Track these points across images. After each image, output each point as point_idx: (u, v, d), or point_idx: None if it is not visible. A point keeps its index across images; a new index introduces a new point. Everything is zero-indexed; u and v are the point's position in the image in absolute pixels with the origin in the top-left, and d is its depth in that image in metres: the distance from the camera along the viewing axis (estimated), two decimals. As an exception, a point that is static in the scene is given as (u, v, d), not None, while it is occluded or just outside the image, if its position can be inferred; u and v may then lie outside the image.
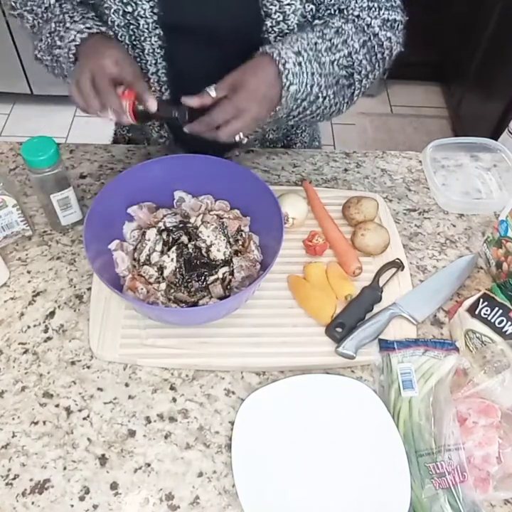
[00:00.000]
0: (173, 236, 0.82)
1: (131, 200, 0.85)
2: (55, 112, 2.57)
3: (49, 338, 0.79)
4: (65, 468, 0.68)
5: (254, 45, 0.78)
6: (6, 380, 0.75)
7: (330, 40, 0.78)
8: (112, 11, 0.79)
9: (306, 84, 0.75)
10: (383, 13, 0.83)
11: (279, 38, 0.81)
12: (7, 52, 2.34)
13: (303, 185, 0.98)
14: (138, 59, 0.85)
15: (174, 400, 0.74)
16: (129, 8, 0.79)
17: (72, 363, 0.77)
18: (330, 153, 1.08)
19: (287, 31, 0.80)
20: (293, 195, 0.91)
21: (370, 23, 0.82)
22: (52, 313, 0.82)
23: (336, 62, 0.79)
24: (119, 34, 0.82)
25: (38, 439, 0.70)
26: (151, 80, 0.87)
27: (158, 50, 0.83)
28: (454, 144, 1.10)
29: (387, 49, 0.85)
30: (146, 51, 0.84)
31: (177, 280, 0.78)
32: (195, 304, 0.78)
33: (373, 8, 0.83)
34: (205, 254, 0.80)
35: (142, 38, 0.82)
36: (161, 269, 0.79)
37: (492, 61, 2.25)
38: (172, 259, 0.79)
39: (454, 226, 0.97)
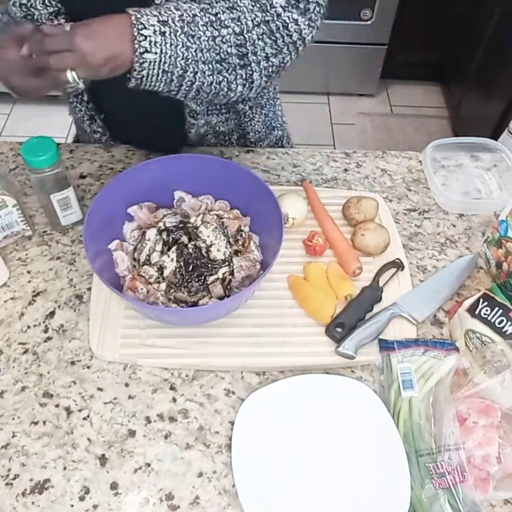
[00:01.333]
0: (173, 236, 0.82)
1: (131, 200, 0.85)
2: (55, 112, 2.56)
3: (49, 338, 0.79)
4: (65, 468, 0.68)
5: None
6: (6, 380, 0.75)
7: (216, 14, 0.74)
8: (11, 2, 0.80)
9: (171, 56, 0.70)
10: None
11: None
12: (7, 52, 2.34)
13: (303, 185, 0.98)
14: None
15: (174, 400, 0.74)
16: (24, 0, 0.79)
17: (72, 363, 0.77)
18: (330, 153, 1.08)
19: None
20: (293, 195, 0.91)
21: (272, 3, 0.77)
22: (52, 313, 0.82)
23: (220, 39, 0.74)
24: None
25: (38, 439, 0.70)
26: None
27: None
28: (454, 143, 1.10)
29: (295, 32, 0.79)
30: None
31: (177, 280, 0.78)
32: (195, 304, 0.78)
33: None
34: (205, 254, 0.80)
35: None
36: (161, 269, 0.79)
37: (492, 61, 2.25)
38: (172, 259, 0.79)
39: (454, 226, 0.97)
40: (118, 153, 1.05)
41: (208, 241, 0.81)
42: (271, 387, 0.73)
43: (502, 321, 0.73)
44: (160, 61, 0.70)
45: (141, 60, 0.68)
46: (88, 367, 0.77)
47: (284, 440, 0.70)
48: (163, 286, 0.78)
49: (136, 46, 0.67)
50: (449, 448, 0.66)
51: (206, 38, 0.73)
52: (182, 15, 0.71)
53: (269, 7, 0.77)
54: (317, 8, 0.81)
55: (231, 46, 0.75)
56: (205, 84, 0.76)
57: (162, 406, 0.73)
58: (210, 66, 0.74)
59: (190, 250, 0.80)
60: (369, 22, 2.36)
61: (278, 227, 0.76)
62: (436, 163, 1.08)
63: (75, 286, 0.85)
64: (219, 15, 0.74)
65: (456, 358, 0.74)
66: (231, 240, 0.82)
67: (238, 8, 0.75)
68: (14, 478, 0.67)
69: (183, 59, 0.71)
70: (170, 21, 0.70)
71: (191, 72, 0.73)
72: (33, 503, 0.66)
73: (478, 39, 2.32)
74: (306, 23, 0.80)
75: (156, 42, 0.68)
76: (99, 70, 0.68)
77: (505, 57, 2.11)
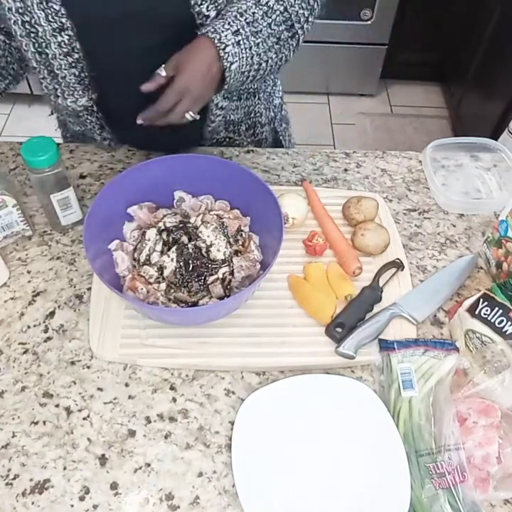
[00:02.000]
0: (173, 236, 0.82)
1: (131, 200, 0.85)
2: (55, 112, 2.57)
3: (49, 338, 0.79)
4: (65, 468, 0.68)
5: (187, 29, 0.80)
6: (6, 380, 0.75)
7: (266, 3, 0.80)
8: (12, 22, 0.79)
9: (247, 58, 0.79)
10: None
11: (211, 6, 0.80)
12: (7, 52, 2.34)
13: (303, 185, 0.98)
14: (47, 65, 0.84)
15: (174, 400, 0.74)
16: (27, 18, 0.79)
17: (72, 363, 0.77)
18: (330, 153, 1.08)
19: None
20: (293, 195, 0.91)
21: None
22: (52, 313, 0.82)
23: (273, 23, 0.82)
24: (24, 43, 0.81)
25: (38, 439, 0.70)
26: (63, 84, 0.86)
27: (62, 57, 0.82)
28: (454, 143, 1.10)
29: None
30: (50, 56, 0.83)
31: (177, 280, 0.78)
32: (195, 304, 0.78)
33: None
34: (205, 254, 0.80)
35: (44, 45, 0.81)
36: (161, 269, 0.79)
37: (492, 61, 2.25)
38: (172, 259, 0.79)
39: (454, 226, 0.97)
40: (118, 153, 1.05)
41: (207, 241, 0.81)
42: (271, 387, 0.73)
43: (502, 321, 0.73)
44: (239, 66, 0.78)
45: (229, 73, 0.78)
46: (88, 367, 0.77)
47: (284, 440, 0.70)
48: (163, 286, 0.78)
49: (225, 63, 0.76)
50: (449, 448, 0.66)
51: (265, 29, 0.81)
52: (246, 18, 0.79)
53: None
54: None
55: (281, 25, 0.83)
56: (270, 66, 0.84)
57: (162, 406, 0.73)
58: (272, 50, 0.83)
59: (190, 250, 0.80)
60: (369, 22, 2.36)
61: (278, 227, 0.76)
62: (436, 163, 1.08)
63: (75, 286, 0.85)
64: (268, 2, 0.81)
65: (456, 358, 0.74)
66: (231, 240, 0.82)
67: None
68: (14, 478, 0.67)
69: (257, 55, 0.80)
70: (240, 29, 0.78)
71: (261, 63, 0.82)
72: (33, 503, 0.66)
73: (478, 39, 2.32)
74: None
75: (234, 53, 0.77)
76: (207, 99, 0.80)
77: (505, 57, 2.11)
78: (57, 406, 0.73)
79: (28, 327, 0.80)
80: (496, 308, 0.75)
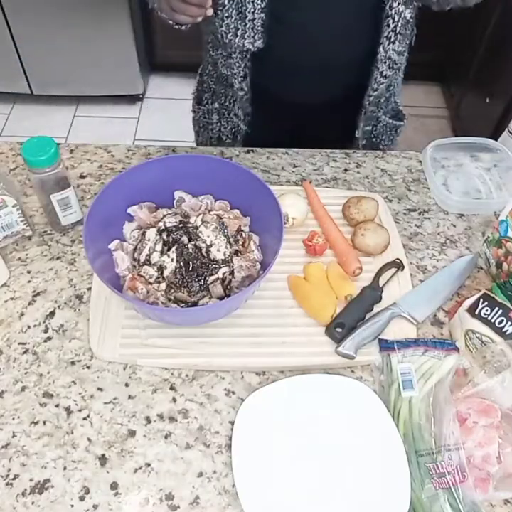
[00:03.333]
0: (173, 236, 0.82)
1: (131, 200, 0.85)
2: (55, 111, 2.57)
3: (49, 338, 0.79)
4: (65, 468, 0.68)
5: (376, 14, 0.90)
6: (6, 380, 0.75)
7: None
8: None
9: None
10: None
11: None
12: (7, 52, 2.34)
13: (303, 185, 0.98)
14: (239, 4, 0.88)
15: (174, 400, 0.74)
16: None
17: (72, 363, 0.77)
18: (330, 153, 1.08)
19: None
20: (293, 195, 0.91)
21: None
22: (52, 313, 0.82)
23: None
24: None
25: (38, 439, 0.70)
26: (247, 26, 0.90)
27: (259, 1, 0.87)
28: (454, 144, 1.10)
29: None
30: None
31: (177, 280, 0.78)
32: (195, 304, 0.78)
33: None
34: (205, 254, 0.80)
35: None
36: (161, 269, 0.79)
37: (492, 61, 2.25)
38: (172, 259, 0.79)
39: (454, 226, 0.97)
40: (118, 153, 1.05)
41: (208, 241, 0.81)
42: (271, 387, 0.73)
43: (502, 321, 0.74)
44: None
45: None
46: (88, 367, 0.77)
47: (284, 440, 0.70)
48: (163, 286, 0.78)
49: None
50: (449, 448, 0.66)
51: None
52: None
53: None
54: None
55: None
56: None
57: (162, 406, 0.73)
58: None
59: (190, 250, 0.80)
60: (369, 22, 2.35)
61: (278, 227, 0.76)
62: (436, 163, 1.08)
63: (75, 286, 0.85)
64: None
65: (456, 358, 0.74)
66: (231, 239, 0.82)
67: None
68: (14, 478, 0.67)
69: None
70: None
71: None
72: (33, 503, 0.66)
73: (478, 39, 2.32)
74: None
75: None
76: None
77: (505, 58, 2.11)
78: (57, 406, 0.73)
79: (28, 327, 0.80)
80: (496, 308, 0.75)
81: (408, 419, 0.70)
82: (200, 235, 0.81)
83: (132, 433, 0.71)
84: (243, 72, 0.99)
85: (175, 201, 0.88)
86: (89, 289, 0.84)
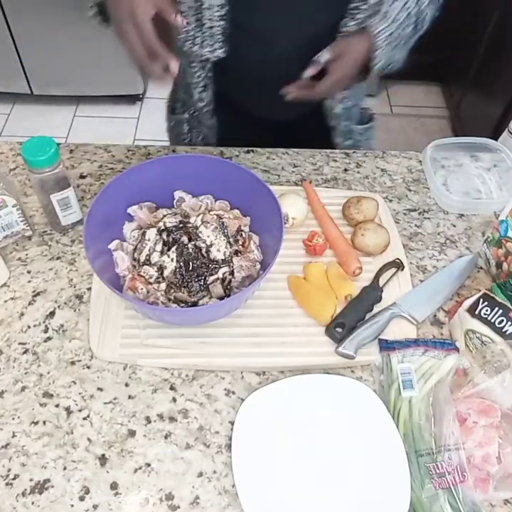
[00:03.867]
0: (173, 236, 0.82)
1: (131, 200, 0.85)
2: (55, 111, 2.57)
3: (49, 338, 0.79)
4: (65, 468, 0.68)
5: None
6: (6, 380, 0.75)
7: (408, 8, 0.86)
8: None
9: (389, 58, 0.88)
10: None
11: None
12: (7, 52, 2.34)
13: (303, 185, 0.98)
14: (198, 13, 0.85)
15: (174, 399, 0.74)
16: None
17: (72, 363, 0.77)
18: (330, 153, 1.08)
19: None
20: (293, 195, 0.91)
21: None
22: (52, 313, 0.82)
23: (410, 26, 0.88)
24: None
25: (38, 439, 0.70)
26: (205, 34, 0.87)
27: (217, 9, 0.83)
28: (454, 144, 1.10)
29: None
30: (205, 5, 0.83)
31: (177, 280, 0.78)
32: (195, 304, 0.78)
33: None
34: (205, 254, 0.80)
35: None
36: (161, 269, 0.79)
37: (492, 61, 2.25)
38: (172, 259, 0.79)
39: (454, 226, 0.97)
40: (118, 153, 1.05)
41: (207, 241, 0.81)
42: (271, 387, 0.73)
43: (502, 321, 0.74)
44: (381, 65, 0.87)
45: (372, 70, 0.87)
46: (88, 367, 0.77)
47: (284, 440, 0.70)
48: (163, 286, 0.78)
49: (373, 62, 0.85)
50: (449, 448, 0.66)
51: (407, 29, 0.87)
52: (398, 21, 0.84)
53: None
54: None
55: (411, 25, 0.89)
56: (399, 58, 0.92)
57: (162, 406, 0.73)
58: (404, 45, 0.90)
59: (190, 250, 0.80)
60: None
61: (278, 227, 0.76)
62: (436, 163, 1.08)
63: (75, 286, 0.85)
64: (409, 5, 0.85)
65: (456, 358, 0.74)
66: (231, 240, 0.82)
67: None
68: (14, 478, 0.67)
69: (394, 51, 0.87)
70: (394, 32, 0.84)
71: (396, 56, 0.90)
72: (33, 503, 0.66)
73: (478, 39, 2.32)
74: None
75: (383, 53, 0.85)
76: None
77: (505, 58, 2.11)
78: (57, 406, 0.73)
79: (28, 327, 0.80)
80: (496, 308, 0.75)
81: (408, 419, 0.70)
82: (200, 235, 0.81)
83: (132, 433, 0.71)
84: (203, 82, 0.96)
85: (175, 201, 0.88)
86: (89, 289, 0.84)
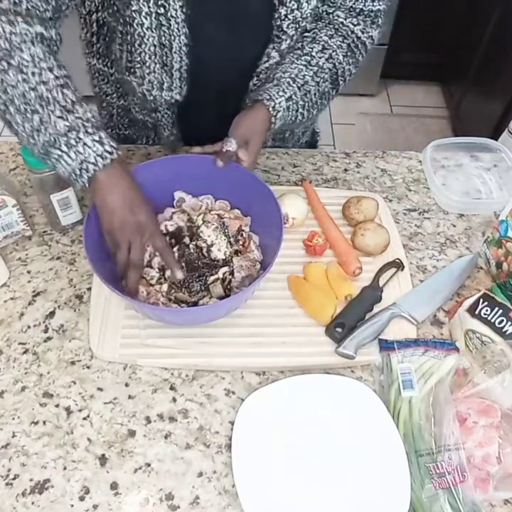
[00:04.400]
0: (175, 235, 0.82)
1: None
2: (55, 112, 2.56)
3: (49, 338, 0.79)
4: (65, 468, 0.68)
5: (267, 31, 0.86)
6: (6, 380, 0.75)
7: (316, 63, 0.87)
8: (143, 13, 0.78)
9: (292, 116, 0.88)
10: (367, 5, 0.89)
11: (292, 25, 0.85)
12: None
13: (303, 185, 0.98)
14: (164, 57, 0.84)
15: (174, 399, 0.74)
16: (162, 10, 0.78)
17: (72, 363, 0.77)
18: (330, 153, 1.08)
19: (300, 19, 0.84)
20: (293, 195, 0.91)
21: (354, 30, 0.90)
22: (52, 313, 0.82)
23: (321, 81, 0.89)
24: (146, 36, 0.81)
25: (38, 439, 0.70)
26: (174, 76, 0.87)
27: (184, 48, 0.83)
28: (454, 144, 1.10)
29: (370, 43, 0.92)
30: (173, 50, 0.83)
31: (179, 280, 0.78)
32: (195, 304, 0.78)
33: (358, 10, 0.89)
34: (206, 254, 0.80)
35: (172, 38, 0.81)
36: (162, 269, 0.79)
37: (492, 61, 2.25)
38: None
39: (454, 226, 0.97)
40: (118, 153, 1.04)
41: (208, 241, 0.81)
42: (271, 387, 0.73)
43: (502, 321, 0.74)
44: (283, 123, 0.87)
45: (273, 127, 0.86)
46: (88, 367, 0.77)
47: (284, 440, 0.70)
48: (165, 287, 0.78)
49: (272, 122, 0.85)
50: (449, 448, 0.66)
51: (313, 88, 0.88)
52: (298, 82, 0.86)
53: (349, 33, 0.90)
54: (382, 14, 0.92)
55: (327, 81, 0.90)
56: (308, 116, 0.91)
57: (162, 406, 0.73)
58: (315, 102, 0.90)
59: (192, 250, 0.80)
60: (369, 22, 2.35)
61: (278, 227, 0.76)
62: (436, 163, 1.08)
63: (75, 286, 0.85)
64: (318, 61, 0.87)
65: (456, 358, 0.74)
66: (232, 239, 0.82)
67: (329, 47, 0.89)
68: (14, 478, 0.67)
69: (298, 111, 0.88)
70: (292, 95, 0.85)
71: (304, 116, 0.89)
72: (33, 503, 0.65)
73: (478, 39, 2.32)
74: (377, 31, 0.93)
75: (284, 115, 0.86)
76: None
77: (505, 58, 2.11)
78: (57, 406, 0.73)
79: (28, 327, 0.80)
80: (496, 308, 0.75)
81: (408, 419, 0.70)
82: (201, 234, 0.81)
83: (132, 433, 0.71)
84: (171, 119, 0.96)
85: (175, 201, 0.88)
86: (89, 289, 0.84)
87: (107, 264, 0.80)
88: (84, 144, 0.68)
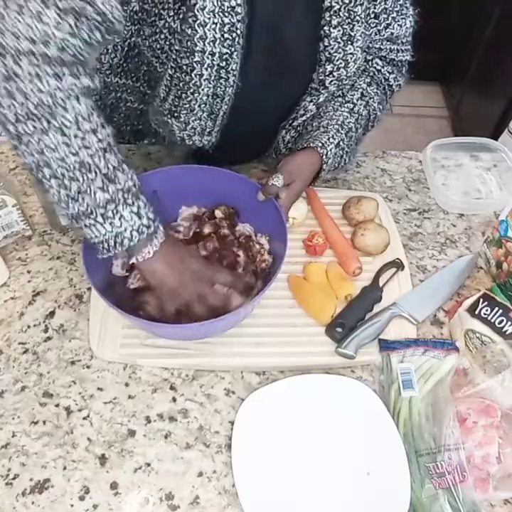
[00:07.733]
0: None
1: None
2: (55, 111, 2.56)
3: (49, 338, 0.79)
4: (65, 468, 0.68)
5: (307, 83, 0.87)
6: (6, 380, 0.75)
7: (357, 111, 0.91)
8: (205, 66, 0.75)
9: (338, 163, 0.90)
10: (399, 56, 0.94)
11: (335, 82, 0.86)
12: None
13: (303, 185, 0.98)
14: (213, 106, 0.82)
15: (174, 399, 0.74)
16: (223, 63, 0.76)
17: (72, 362, 0.77)
18: (330, 153, 1.08)
19: (344, 77, 0.86)
20: (293, 195, 0.91)
21: (388, 78, 0.95)
22: (52, 313, 0.82)
23: (360, 127, 0.92)
24: (202, 86, 0.77)
25: (38, 439, 0.70)
26: (217, 123, 0.85)
27: (233, 96, 0.81)
28: (454, 144, 1.10)
29: (396, 92, 0.98)
30: (224, 100, 0.81)
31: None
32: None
33: (390, 60, 0.94)
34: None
35: (226, 89, 0.80)
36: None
37: (492, 61, 2.25)
38: None
39: (454, 226, 0.97)
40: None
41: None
42: (271, 387, 0.73)
43: (502, 321, 0.74)
44: (330, 167, 0.88)
45: (322, 174, 0.87)
46: (88, 367, 0.77)
47: (284, 440, 0.70)
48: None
49: (323, 169, 0.86)
50: (449, 448, 0.66)
51: (355, 134, 0.91)
52: (345, 129, 0.88)
53: (383, 80, 0.95)
54: (407, 65, 0.97)
55: (363, 127, 0.94)
56: (349, 160, 0.93)
57: (162, 406, 0.73)
58: (354, 148, 0.94)
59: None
60: (369, 22, 2.35)
61: (281, 237, 0.77)
62: (436, 163, 1.08)
63: (75, 286, 0.85)
64: (359, 109, 0.91)
65: (456, 358, 0.74)
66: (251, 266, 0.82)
67: (367, 95, 0.93)
68: (14, 478, 0.67)
69: (343, 158, 0.90)
70: (340, 142, 0.88)
71: (345, 161, 0.92)
72: (33, 503, 0.65)
73: (477, 39, 2.32)
74: (403, 80, 0.97)
75: (333, 162, 0.88)
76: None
77: (505, 57, 2.11)
78: (57, 406, 0.73)
79: (28, 327, 0.80)
80: (496, 308, 0.75)
81: (408, 419, 0.70)
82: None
83: (132, 433, 0.71)
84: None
85: (179, 218, 0.88)
86: (89, 288, 0.84)
87: (107, 265, 0.80)
88: (122, 216, 0.64)
